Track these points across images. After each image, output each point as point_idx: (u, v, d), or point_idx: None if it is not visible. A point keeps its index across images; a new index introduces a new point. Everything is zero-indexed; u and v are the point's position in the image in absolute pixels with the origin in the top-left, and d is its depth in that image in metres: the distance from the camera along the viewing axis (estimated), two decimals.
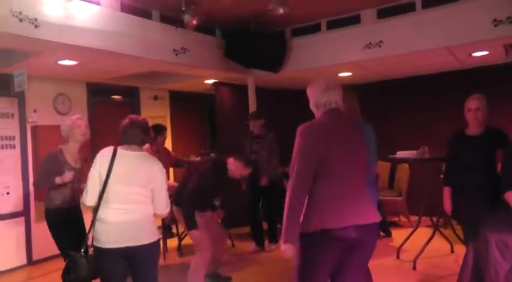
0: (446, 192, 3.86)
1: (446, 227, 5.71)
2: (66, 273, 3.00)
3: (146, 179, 2.94)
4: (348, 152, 2.58)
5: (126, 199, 2.90)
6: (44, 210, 4.08)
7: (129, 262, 2.96)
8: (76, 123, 3.99)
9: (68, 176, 3.83)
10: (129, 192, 2.90)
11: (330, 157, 2.52)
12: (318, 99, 2.69)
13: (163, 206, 3.06)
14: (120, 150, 2.99)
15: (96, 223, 2.93)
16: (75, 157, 4.03)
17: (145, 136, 3.07)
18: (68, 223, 3.93)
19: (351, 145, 2.62)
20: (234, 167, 4.37)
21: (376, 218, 2.61)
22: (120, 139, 3.05)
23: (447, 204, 3.85)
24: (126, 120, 3.08)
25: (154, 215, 3.07)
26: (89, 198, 2.94)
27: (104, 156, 2.98)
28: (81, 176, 3.99)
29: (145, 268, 2.99)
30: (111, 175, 2.89)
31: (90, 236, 3.04)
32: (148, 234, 2.95)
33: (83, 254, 2.98)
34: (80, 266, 2.92)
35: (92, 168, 2.97)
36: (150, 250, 2.97)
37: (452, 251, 5.31)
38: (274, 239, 5.92)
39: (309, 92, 2.77)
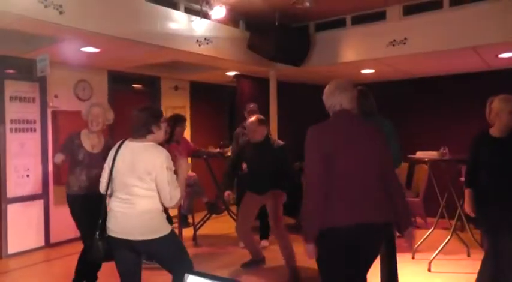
0: (468, 194, 3.75)
1: (464, 230, 5.62)
2: (83, 254, 3.11)
3: (144, 171, 2.82)
4: (355, 152, 2.59)
5: (124, 191, 2.88)
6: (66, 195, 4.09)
7: (139, 253, 3.00)
8: (90, 111, 3.96)
9: (57, 157, 3.89)
10: (127, 184, 2.86)
11: (334, 157, 2.55)
12: (325, 102, 2.80)
13: (167, 199, 2.87)
14: (126, 142, 2.99)
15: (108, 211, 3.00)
16: (92, 142, 3.99)
17: (149, 126, 2.94)
18: (85, 209, 3.92)
19: (359, 145, 2.63)
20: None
21: (382, 218, 2.59)
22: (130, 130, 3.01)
23: (468, 207, 3.74)
24: (134, 111, 3.01)
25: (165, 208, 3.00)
26: (100, 186, 3.09)
27: (114, 147, 3.02)
28: (101, 161, 3.97)
29: (160, 260, 2.99)
30: (114, 166, 2.93)
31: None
32: (146, 231, 2.85)
33: (97, 236, 3.02)
34: (94, 248, 3.01)
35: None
36: (152, 246, 2.87)
37: (468, 255, 5.23)
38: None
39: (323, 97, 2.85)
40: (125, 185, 2.87)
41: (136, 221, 2.84)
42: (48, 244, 5.86)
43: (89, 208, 3.92)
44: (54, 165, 3.97)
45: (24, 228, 5.64)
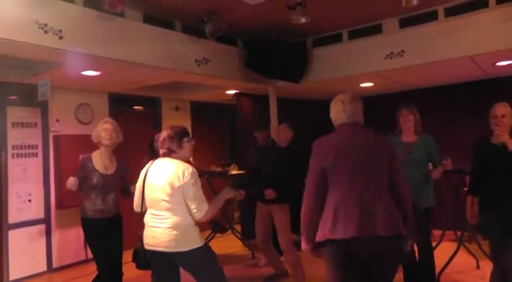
0: (469, 201, 3.76)
1: (471, 242, 5.56)
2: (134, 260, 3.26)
3: (169, 185, 2.97)
4: (352, 164, 2.63)
5: (155, 207, 3.04)
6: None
7: (174, 264, 3.07)
8: (102, 127, 3.99)
9: (69, 181, 3.83)
10: (157, 200, 3.02)
11: (334, 168, 2.64)
12: (331, 117, 2.87)
13: (193, 212, 2.98)
14: (156, 161, 3.18)
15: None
16: (105, 163, 3.99)
17: (171, 146, 3.10)
18: (99, 233, 3.92)
19: (357, 157, 2.65)
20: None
21: (388, 231, 2.52)
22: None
23: (469, 213, 3.74)
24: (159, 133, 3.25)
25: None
26: (134, 204, 3.28)
27: (146, 167, 3.21)
28: (115, 183, 4.02)
29: (194, 273, 3.07)
30: (146, 183, 3.12)
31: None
32: (178, 243, 2.96)
33: (140, 247, 3.17)
34: (138, 255, 3.20)
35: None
36: (185, 258, 2.98)
37: (478, 267, 5.14)
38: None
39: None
40: (155, 201, 3.03)
41: (169, 234, 2.95)
42: (50, 269, 5.79)
43: (103, 232, 3.94)
44: (69, 190, 3.92)
45: (26, 253, 5.59)
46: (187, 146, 3.15)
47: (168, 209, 2.97)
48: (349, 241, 2.50)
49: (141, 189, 3.16)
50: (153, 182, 3.06)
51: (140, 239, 3.14)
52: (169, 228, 2.95)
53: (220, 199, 3.20)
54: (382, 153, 2.70)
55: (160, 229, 2.97)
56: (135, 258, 3.24)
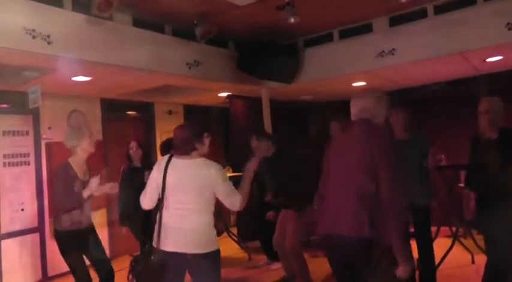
0: (466, 197, 3.75)
1: (466, 237, 5.57)
2: (135, 265, 3.10)
3: (200, 187, 2.93)
4: (335, 164, 2.72)
5: (178, 206, 2.94)
6: (53, 230, 3.89)
7: (186, 268, 2.97)
8: (82, 132, 3.79)
9: (94, 182, 3.63)
10: (181, 200, 2.93)
11: (326, 167, 2.80)
12: None
13: (232, 203, 3.00)
14: (174, 159, 3.06)
15: (156, 226, 3.00)
16: (83, 169, 3.80)
17: (192, 144, 3.04)
18: (78, 245, 3.76)
19: (344, 154, 2.68)
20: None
21: (349, 231, 2.47)
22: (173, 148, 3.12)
23: (467, 210, 3.74)
24: (174, 130, 3.14)
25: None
26: (146, 203, 3.13)
27: (160, 163, 3.09)
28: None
29: (199, 277, 2.96)
30: (166, 182, 2.98)
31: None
32: (200, 244, 2.91)
33: (147, 248, 3.07)
34: (149, 259, 3.01)
35: (150, 176, 3.12)
36: (201, 260, 2.89)
37: (473, 262, 5.17)
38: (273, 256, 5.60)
39: None
40: (179, 201, 2.94)
41: (191, 235, 2.90)
42: (45, 277, 5.76)
43: (82, 244, 3.78)
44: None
45: (20, 262, 5.54)
46: (207, 141, 3.16)
47: (194, 209, 2.92)
48: (323, 237, 2.68)
49: (160, 186, 3.00)
50: (177, 181, 2.96)
51: (152, 240, 3.00)
52: (192, 228, 2.90)
53: (246, 181, 3.11)
54: (361, 150, 2.57)
55: (182, 230, 2.90)
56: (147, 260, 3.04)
